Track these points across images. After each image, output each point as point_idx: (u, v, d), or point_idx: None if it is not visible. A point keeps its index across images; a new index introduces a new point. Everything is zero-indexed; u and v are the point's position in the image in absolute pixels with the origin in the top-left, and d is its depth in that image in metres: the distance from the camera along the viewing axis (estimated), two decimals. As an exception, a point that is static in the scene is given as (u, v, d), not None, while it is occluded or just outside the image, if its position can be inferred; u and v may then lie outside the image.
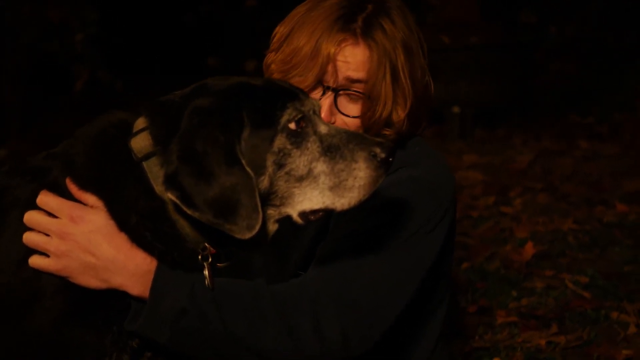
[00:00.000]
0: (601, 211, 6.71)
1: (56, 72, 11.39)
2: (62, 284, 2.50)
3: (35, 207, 2.53)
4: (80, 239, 2.50)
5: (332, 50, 2.88)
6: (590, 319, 4.57)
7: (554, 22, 12.01)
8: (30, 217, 2.51)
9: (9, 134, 10.89)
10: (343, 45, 2.90)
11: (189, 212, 2.38)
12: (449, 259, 3.16)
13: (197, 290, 2.53)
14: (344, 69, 2.90)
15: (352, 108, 2.92)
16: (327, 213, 2.52)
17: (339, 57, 2.90)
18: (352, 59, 2.91)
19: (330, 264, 2.70)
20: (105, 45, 11.29)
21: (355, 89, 2.91)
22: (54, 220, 2.51)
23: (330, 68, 2.89)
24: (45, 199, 2.52)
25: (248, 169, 2.38)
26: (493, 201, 7.28)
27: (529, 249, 5.61)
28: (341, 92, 2.92)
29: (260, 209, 2.38)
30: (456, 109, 10.16)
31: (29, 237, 2.51)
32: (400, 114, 2.95)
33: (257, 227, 2.39)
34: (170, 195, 2.38)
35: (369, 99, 2.91)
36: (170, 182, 2.38)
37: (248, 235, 2.39)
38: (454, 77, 10.16)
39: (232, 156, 2.38)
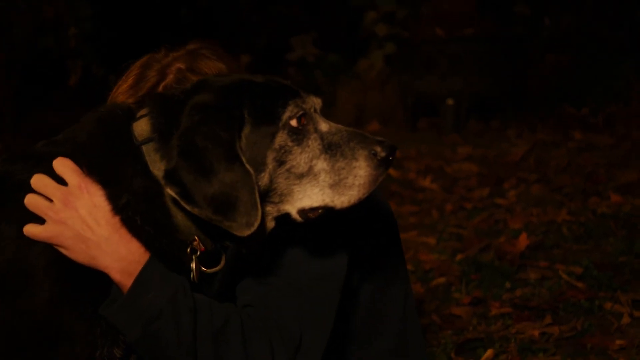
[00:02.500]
0: (595, 202, 6.71)
1: (50, 66, 11.37)
2: (52, 266, 2.50)
3: None
4: (82, 209, 2.50)
5: None
6: (584, 310, 4.56)
7: (548, 13, 11.99)
8: (39, 179, 2.51)
9: (3, 128, 10.87)
10: None
11: (188, 208, 2.39)
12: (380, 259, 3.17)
13: (179, 297, 2.52)
14: None
15: None
16: (326, 211, 2.52)
17: None
18: None
19: (270, 294, 2.74)
20: (99, 40, 11.27)
21: None
22: (62, 186, 2.50)
23: None
24: (64, 162, 2.52)
25: (248, 166, 2.39)
26: (487, 193, 7.29)
27: (523, 240, 5.62)
28: None
29: (259, 207, 2.39)
30: (450, 101, 10.15)
31: (31, 199, 2.50)
32: None
33: (256, 225, 2.40)
34: (170, 191, 2.40)
35: None
36: (170, 177, 2.40)
37: (247, 233, 2.40)
38: (448, 69, 10.17)
39: (232, 153, 2.39)
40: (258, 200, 2.40)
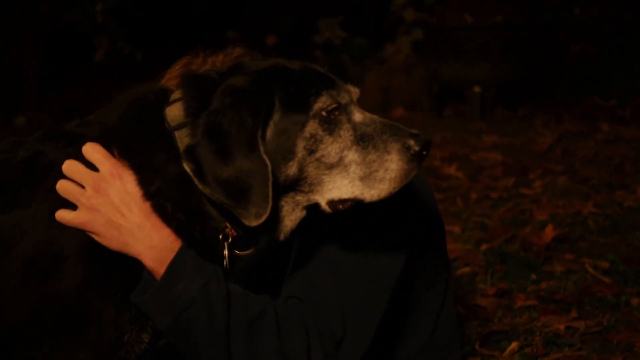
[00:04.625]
0: (622, 195, 6.66)
1: (76, 42, 11.36)
2: (84, 250, 2.49)
3: None
4: (114, 196, 2.48)
5: None
6: (611, 305, 4.52)
7: (577, 2, 11.89)
8: (71, 165, 2.50)
9: (28, 103, 10.89)
10: None
11: (200, 186, 2.38)
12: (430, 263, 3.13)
13: (212, 286, 2.51)
14: None
15: None
16: (356, 203, 2.48)
17: None
18: None
19: (315, 288, 2.71)
20: (126, 16, 11.25)
21: None
22: (93, 172, 2.49)
23: None
24: (94, 148, 2.50)
25: (265, 157, 2.36)
26: (513, 183, 7.24)
27: (549, 232, 5.56)
28: None
29: (270, 200, 2.37)
30: (477, 89, 10.08)
31: (63, 185, 2.49)
32: None
33: (264, 217, 2.38)
34: (186, 167, 2.39)
35: None
36: (189, 153, 2.39)
37: (254, 223, 2.38)
38: (475, 57, 10.10)
39: (254, 141, 2.36)
40: (270, 193, 2.37)
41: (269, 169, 2.37)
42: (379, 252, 2.77)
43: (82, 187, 2.50)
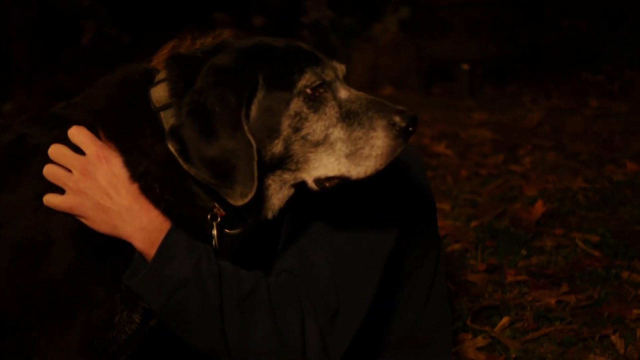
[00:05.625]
0: (611, 170, 6.68)
1: (63, 25, 11.31)
2: (73, 233, 2.49)
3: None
4: (101, 179, 2.48)
5: None
6: (601, 278, 4.54)
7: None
8: (57, 149, 2.49)
9: (15, 87, 10.84)
10: None
11: (185, 166, 2.38)
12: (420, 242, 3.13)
13: (203, 264, 2.51)
14: None
15: None
16: (342, 181, 2.48)
17: None
18: None
19: (308, 262, 2.71)
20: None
21: None
22: (80, 155, 2.49)
23: None
24: (80, 132, 2.49)
25: (250, 136, 2.36)
26: (502, 159, 7.25)
27: (539, 208, 5.58)
28: None
29: (256, 179, 2.36)
30: (465, 66, 10.06)
31: (50, 170, 2.49)
32: None
33: (250, 196, 2.37)
34: (170, 147, 2.38)
35: None
36: (174, 133, 2.38)
37: (240, 202, 2.38)
38: (463, 34, 10.07)
39: (238, 120, 2.35)
40: (256, 172, 2.36)
41: (254, 147, 2.36)
42: (370, 228, 2.77)
43: (69, 170, 2.50)
